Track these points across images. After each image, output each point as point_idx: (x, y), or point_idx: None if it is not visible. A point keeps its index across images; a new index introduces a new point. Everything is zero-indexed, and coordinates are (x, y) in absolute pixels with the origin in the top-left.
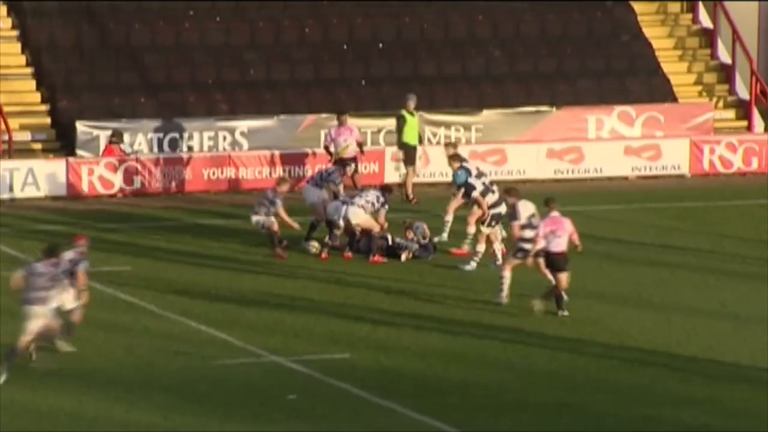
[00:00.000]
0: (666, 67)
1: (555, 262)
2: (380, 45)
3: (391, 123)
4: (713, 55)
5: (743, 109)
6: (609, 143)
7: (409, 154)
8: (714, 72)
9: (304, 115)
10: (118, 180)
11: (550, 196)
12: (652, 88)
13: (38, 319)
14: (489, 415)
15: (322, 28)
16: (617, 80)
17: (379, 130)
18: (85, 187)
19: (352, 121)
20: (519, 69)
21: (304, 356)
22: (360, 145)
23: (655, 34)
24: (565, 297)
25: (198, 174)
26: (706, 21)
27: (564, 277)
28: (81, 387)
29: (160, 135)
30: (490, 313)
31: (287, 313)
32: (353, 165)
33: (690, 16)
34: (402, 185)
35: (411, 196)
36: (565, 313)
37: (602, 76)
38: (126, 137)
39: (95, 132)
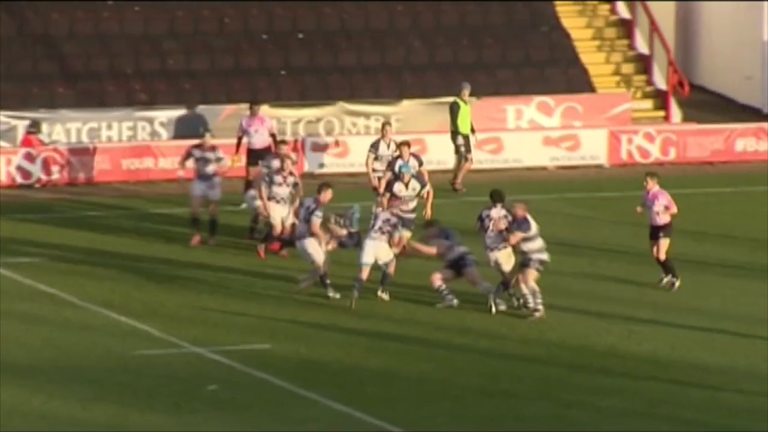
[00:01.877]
0: (584, 58)
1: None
2: (300, 35)
3: (309, 113)
4: (631, 46)
5: (661, 100)
6: (528, 133)
7: (462, 143)
8: (632, 62)
9: (224, 105)
10: (36, 170)
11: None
12: (571, 78)
13: None
14: (410, 404)
15: (241, 18)
16: (536, 70)
17: (299, 120)
18: (2, 177)
19: (272, 112)
20: (439, 59)
21: (225, 347)
22: (273, 136)
23: (574, 24)
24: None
25: (117, 164)
26: (624, 12)
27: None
28: None
29: (79, 125)
30: (410, 304)
31: (208, 303)
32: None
33: (608, 6)
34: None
35: (459, 185)
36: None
37: (521, 66)
38: (44, 127)
39: (13, 122)
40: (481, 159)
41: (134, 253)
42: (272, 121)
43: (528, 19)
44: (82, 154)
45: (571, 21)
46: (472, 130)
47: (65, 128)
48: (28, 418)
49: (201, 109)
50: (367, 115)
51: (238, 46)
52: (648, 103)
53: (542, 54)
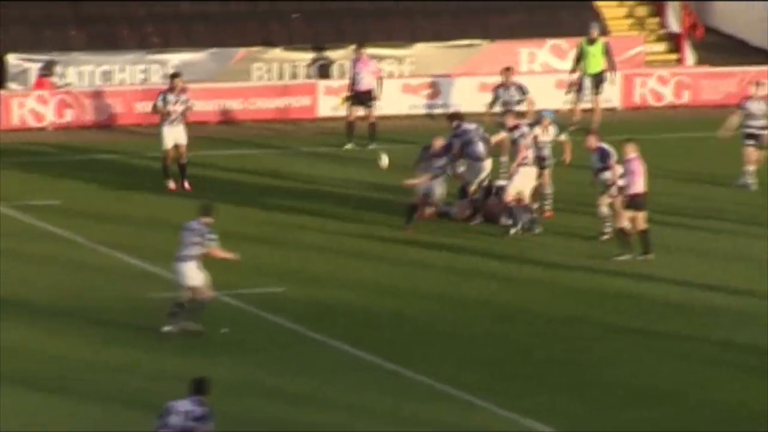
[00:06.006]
0: (598, 1)
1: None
2: None
3: (322, 57)
4: None
5: (674, 42)
6: (541, 76)
7: (589, 84)
8: (645, 5)
9: (237, 48)
10: (49, 113)
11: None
12: (584, 21)
13: None
14: (420, 346)
15: None
16: (550, 13)
17: (313, 62)
18: (15, 120)
19: (285, 55)
20: (452, 2)
21: (237, 290)
22: (380, 78)
23: None
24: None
25: (130, 107)
26: None
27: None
28: (9, 321)
29: (92, 68)
30: (422, 247)
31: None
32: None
33: None
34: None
35: (575, 123)
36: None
37: (535, 9)
38: (57, 70)
39: (26, 64)
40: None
41: (146, 196)
42: (376, 62)
43: None
44: (94, 97)
45: None
46: (612, 69)
47: (78, 71)
48: (39, 359)
49: (214, 52)
50: (380, 58)
51: None
52: (661, 46)
53: None
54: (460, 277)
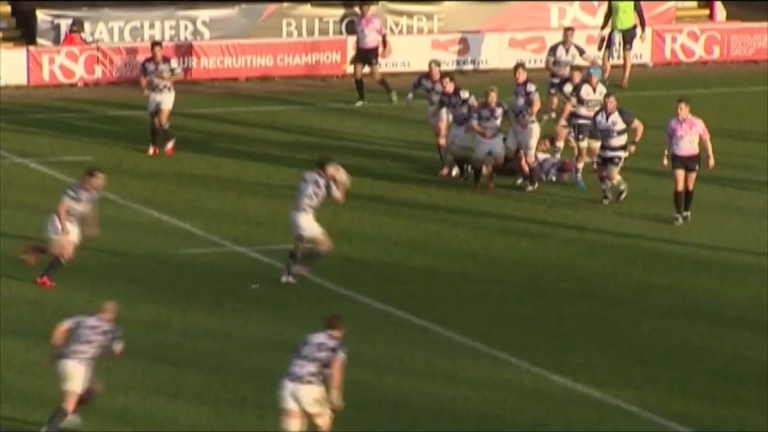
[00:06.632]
0: None
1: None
2: None
3: (352, 13)
4: None
5: None
6: None
7: (623, 39)
8: None
9: (266, 3)
10: (79, 69)
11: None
12: None
13: None
14: (451, 303)
15: None
16: None
17: (343, 18)
18: (45, 76)
19: (313, 11)
20: None
21: (267, 246)
22: (384, 36)
23: None
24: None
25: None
26: None
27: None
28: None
29: (121, 24)
30: (452, 203)
31: (251, 202)
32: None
33: None
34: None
35: (624, 82)
36: (686, 213)
37: None
38: (87, 26)
39: (56, 21)
40: (524, 58)
41: (177, 153)
42: (380, 20)
43: None
44: (124, 53)
45: None
46: (642, 25)
47: (108, 27)
48: (72, 315)
49: (243, 8)
50: (410, 15)
51: None
52: (692, 2)
53: None
54: (491, 234)
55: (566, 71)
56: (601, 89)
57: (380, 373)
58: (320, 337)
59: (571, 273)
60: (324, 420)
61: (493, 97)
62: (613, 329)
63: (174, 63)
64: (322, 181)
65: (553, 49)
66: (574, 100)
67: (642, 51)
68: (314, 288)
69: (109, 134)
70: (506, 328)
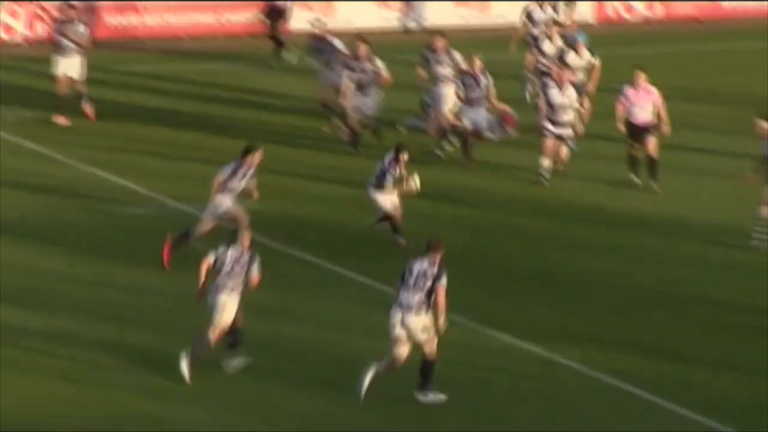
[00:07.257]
0: None
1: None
2: None
3: None
4: None
5: None
6: None
7: None
8: None
9: None
10: (20, 27)
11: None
12: None
13: None
14: (396, 260)
15: None
16: None
17: None
18: None
19: None
20: None
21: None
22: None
23: None
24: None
25: (102, 21)
26: None
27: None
28: None
29: None
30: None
31: (193, 161)
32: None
33: None
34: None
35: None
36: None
37: None
38: None
39: None
40: (465, 15)
41: (119, 112)
42: None
43: None
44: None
45: None
46: None
47: None
48: (13, 272)
49: None
50: None
51: None
52: None
53: None
54: (436, 195)
55: (541, 30)
56: (587, 55)
57: (323, 330)
58: (423, 264)
59: (515, 230)
60: (431, 347)
61: (477, 64)
62: (559, 285)
63: (81, 26)
64: (394, 165)
65: (529, 10)
66: (550, 62)
67: (584, 9)
68: (257, 246)
69: (50, 94)
70: (451, 286)
